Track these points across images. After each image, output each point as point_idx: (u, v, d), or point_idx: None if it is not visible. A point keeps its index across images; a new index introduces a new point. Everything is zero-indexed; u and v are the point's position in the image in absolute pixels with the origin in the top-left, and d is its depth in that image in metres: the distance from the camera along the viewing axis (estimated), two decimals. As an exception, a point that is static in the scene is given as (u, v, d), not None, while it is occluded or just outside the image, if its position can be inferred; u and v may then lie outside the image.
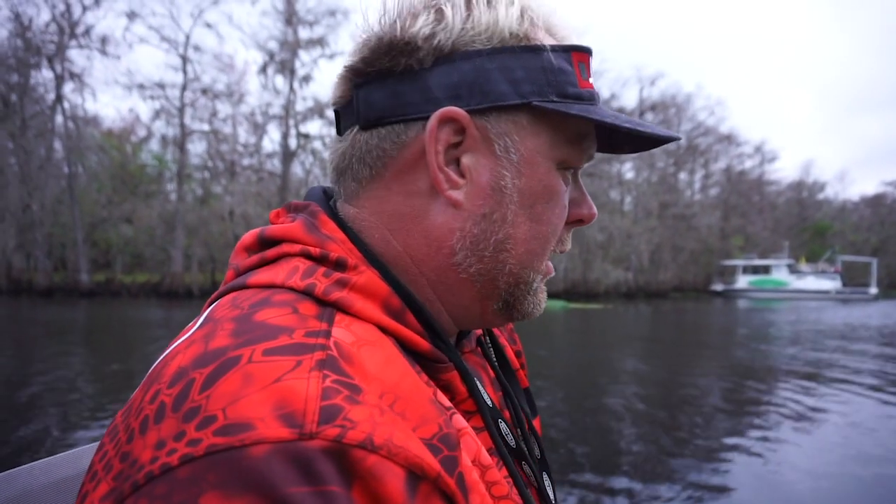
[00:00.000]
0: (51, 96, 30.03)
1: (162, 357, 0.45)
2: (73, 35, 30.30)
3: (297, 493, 0.34)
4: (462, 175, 0.53)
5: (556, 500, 0.63)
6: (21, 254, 28.37)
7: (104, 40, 31.30)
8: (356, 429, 0.37)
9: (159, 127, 34.67)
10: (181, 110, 33.04)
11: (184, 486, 0.35)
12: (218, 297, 0.53)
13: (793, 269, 47.73)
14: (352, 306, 0.48)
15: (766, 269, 48.07)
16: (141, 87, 33.03)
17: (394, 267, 0.55)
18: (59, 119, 30.04)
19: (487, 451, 0.53)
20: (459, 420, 0.50)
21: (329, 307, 0.48)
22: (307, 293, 0.48)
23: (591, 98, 0.54)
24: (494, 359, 0.68)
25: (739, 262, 49.10)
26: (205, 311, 0.51)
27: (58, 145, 30.41)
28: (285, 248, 0.53)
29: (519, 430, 0.63)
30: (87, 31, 30.80)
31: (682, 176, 52.37)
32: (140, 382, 0.44)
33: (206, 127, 34.41)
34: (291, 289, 0.49)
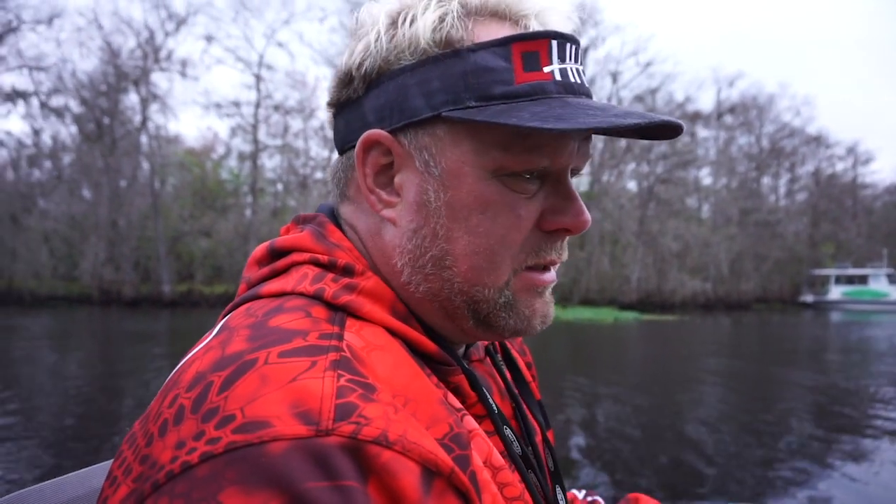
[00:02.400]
0: (137, 118, 32.00)
1: (179, 366, 0.46)
2: (156, 60, 32.24)
3: (315, 487, 0.35)
4: (399, 194, 0.54)
5: None
6: (110, 266, 30.18)
7: (184, 63, 33.15)
8: (371, 425, 0.38)
9: (237, 144, 36.17)
10: (255, 127, 34.42)
11: (204, 483, 0.35)
12: (232, 308, 0.54)
13: (893, 280, 43.79)
14: (360, 309, 0.50)
15: (862, 279, 44.26)
16: (217, 105, 34.76)
17: (383, 273, 0.56)
18: (144, 139, 31.92)
19: (500, 454, 0.53)
20: (470, 421, 0.50)
21: (339, 311, 0.49)
22: (317, 297, 0.50)
23: (532, 92, 0.49)
24: (504, 369, 0.67)
25: (832, 272, 45.41)
26: (219, 322, 0.52)
27: (143, 164, 32.20)
28: (295, 257, 0.54)
29: (528, 440, 0.62)
30: (169, 56, 32.77)
31: (766, 180, 49.31)
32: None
33: (278, 142, 35.68)
34: (302, 294, 0.50)
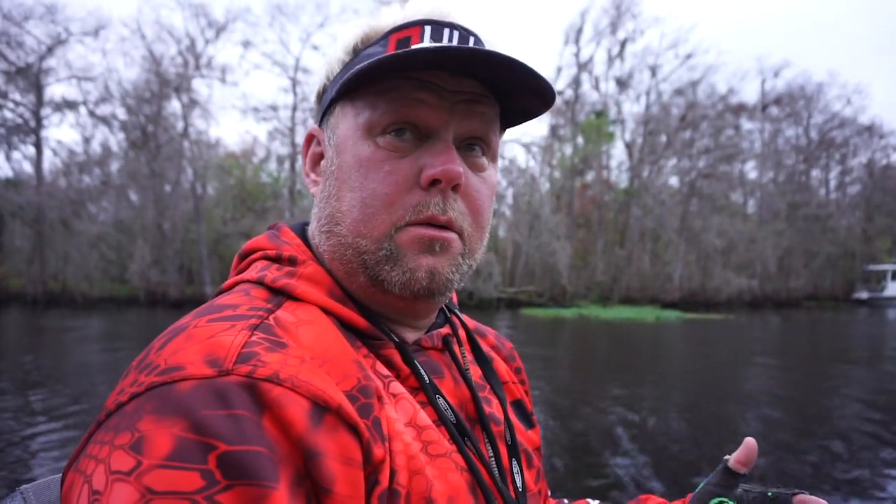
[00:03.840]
0: (180, 124, 32.82)
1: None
2: (197, 66, 33.02)
3: (211, 415, 0.41)
4: (319, 174, 0.65)
5: (523, 486, 0.66)
6: (157, 269, 31.06)
7: (224, 69, 33.87)
8: (266, 367, 0.45)
9: (276, 147, 36.76)
10: (292, 130, 34.88)
11: (129, 416, 0.43)
12: None
13: (955, 274, 41.49)
14: (296, 290, 0.58)
15: (921, 275, 42.14)
16: (255, 110, 35.36)
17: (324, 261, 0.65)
18: (186, 144, 32.67)
19: (434, 422, 0.59)
20: (397, 386, 0.57)
21: (279, 295, 0.58)
22: (259, 282, 0.59)
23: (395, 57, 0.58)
24: (464, 362, 0.71)
25: (888, 267, 43.26)
26: None
27: (186, 168, 33.00)
28: (253, 255, 0.65)
29: (482, 424, 0.65)
30: (209, 62, 33.47)
31: (815, 173, 47.35)
32: None
33: (316, 145, 35.92)
34: (248, 281, 0.60)
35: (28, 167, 32.21)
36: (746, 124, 42.86)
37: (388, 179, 0.57)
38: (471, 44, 0.60)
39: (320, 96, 0.66)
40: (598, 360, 11.93)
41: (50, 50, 30.99)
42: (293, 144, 34.97)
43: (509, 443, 0.68)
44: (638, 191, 36.94)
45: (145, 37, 32.60)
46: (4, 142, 31.53)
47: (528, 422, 0.77)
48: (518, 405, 0.78)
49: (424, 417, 0.57)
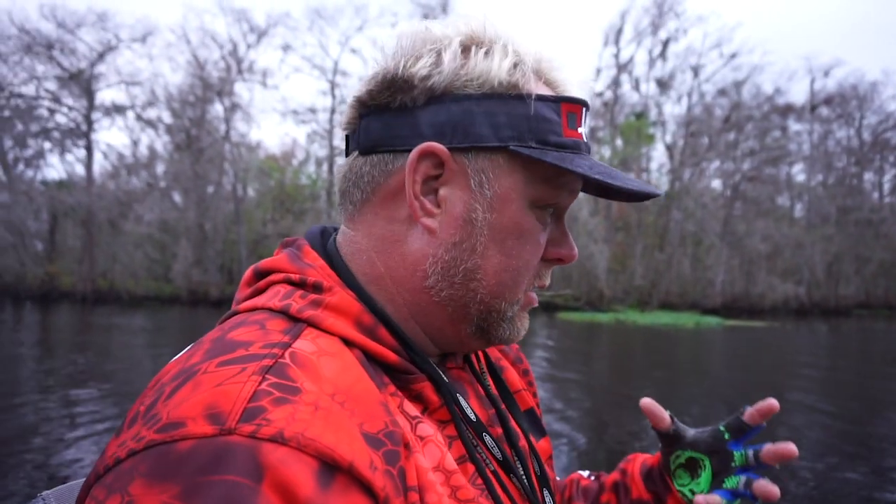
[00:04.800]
0: (222, 127, 33.58)
1: (159, 372, 0.52)
2: (239, 71, 33.73)
3: (206, 480, 0.39)
4: (438, 205, 0.58)
5: None
6: (199, 268, 31.83)
7: (264, 73, 34.54)
8: (270, 425, 0.42)
9: (315, 149, 37.29)
10: (330, 132, 35.28)
11: (123, 476, 0.41)
12: (220, 322, 0.59)
13: None
14: (322, 322, 0.55)
15: (983, 283, 39.92)
16: (294, 112, 35.88)
17: (374, 286, 0.60)
18: (227, 147, 33.40)
19: (459, 458, 0.58)
20: (426, 428, 0.55)
21: (301, 323, 0.54)
22: (283, 312, 0.55)
23: (574, 147, 0.59)
24: (484, 376, 0.71)
25: (946, 275, 41.23)
26: None
27: (228, 170, 33.75)
28: (272, 277, 0.60)
29: (510, 444, 0.67)
30: (251, 66, 34.19)
31: (867, 176, 45.36)
32: None
33: (353, 147, 36.32)
34: (269, 309, 0.55)
35: (80, 169, 33.50)
36: (794, 125, 41.39)
37: (537, 253, 0.61)
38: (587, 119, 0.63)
39: (431, 92, 0.57)
40: (635, 366, 11.66)
41: (101, 56, 32.16)
42: (331, 147, 35.38)
43: (538, 472, 0.68)
44: (679, 194, 36.08)
45: (190, 42, 33.61)
46: (58, 145, 32.85)
47: (540, 431, 0.78)
48: (530, 414, 0.78)
49: (451, 461, 0.55)
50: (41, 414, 6.47)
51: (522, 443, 0.69)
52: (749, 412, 0.78)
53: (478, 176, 0.57)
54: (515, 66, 0.57)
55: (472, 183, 0.57)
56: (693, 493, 0.79)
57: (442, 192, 0.58)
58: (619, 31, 37.55)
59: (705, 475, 0.79)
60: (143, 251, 31.96)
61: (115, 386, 7.95)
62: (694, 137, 37.50)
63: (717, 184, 39.04)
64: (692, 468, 0.80)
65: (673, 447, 0.81)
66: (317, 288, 0.57)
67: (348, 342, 0.55)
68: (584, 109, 0.60)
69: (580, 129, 0.60)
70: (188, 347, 0.53)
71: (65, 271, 31.92)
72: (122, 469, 0.41)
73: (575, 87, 0.62)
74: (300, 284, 0.58)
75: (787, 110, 40.06)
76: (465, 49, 0.58)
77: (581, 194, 0.65)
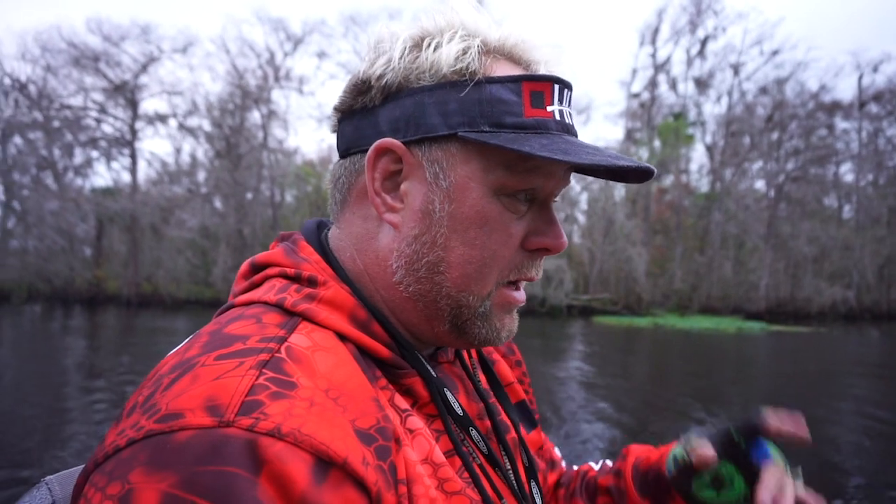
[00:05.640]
0: (260, 134, 34.21)
1: (157, 364, 0.53)
2: (276, 78, 34.33)
3: (203, 471, 0.39)
4: (402, 200, 0.59)
5: None
6: (237, 273, 32.42)
7: (301, 80, 35.09)
8: (268, 420, 0.43)
9: (349, 156, 37.61)
10: (365, 138, 35.54)
11: (123, 464, 0.41)
12: (217, 315, 0.60)
13: None
14: (317, 316, 0.55)
15: None
16: (329, 118, 36.12)
17: (358, 283, 0.61)
18: (265, 154, 34.00)
19: (447, 452, 0.58)
20: (415, 421, 0.56)
21: (296, 317, 0.55)
22: (278, 305, 0.56)
23: (537, 126, 0.56)
24: (473, 371, 0.72)
25: None
26: None
27: (266, 177, 34.35)
28: (268, 271, 0.61)
29: (498, 438, 0.67)
30: (287, 74, 34.76)
31: (921, 175, 43.43)
32: None
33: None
34: (265, 303, 0.56)
35: (126, 177, 34.59)
36: (841, 123, 39.85)
37: (509, 242, 0.58)
38: (571, 103, 0.61)
39: (386, 90, 0.58)
40: (674, 372, 11.36)
41: (144, 67, 33.17)
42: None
43: (527, 465, 0.69)
44: (720, 195, 35.19)
45: (229, 52, 34.17)
46: (105, 154, 34.03)
47: (531, 422, 0.78)
48: (521, 406, 0.78)
49: (439, 454, 0.56)
50: (86, 410, 6.65)
51: (512, 435, 0.70)
52: (769, 423, 0.69)
53: (432, 167, 0.57)
54: (465, 51, 0.56)
55: (428, 175, 0.57)
56: (720, 497, 0.71)
57: (403, 186, 0.59)
58: (656, 31, 36.91)
59: (737, 483, 0.70)
60: (185, 256, 32.81)
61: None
62: (735, 137, 36.53)
63: (760, 184, 37.96)
64: (716, 484, 0.72)
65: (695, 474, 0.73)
66: (311, 282, 0.58)
67: (342, 336, 0.56)
68: (554, 86, 0.58)
69: (550, 108, 0.57)
70: (186, 340, 0.54)
71: (111, 275, 32.99)
72: (122, 457, 0.42)
73: (551, 65, 0.60)
74: (295, 278, 0.59)
75: (834, 108, 38.62)
76: (417, 44, 0.58)
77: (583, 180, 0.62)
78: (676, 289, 33.28)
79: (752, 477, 0.70)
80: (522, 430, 0.73)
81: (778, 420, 0.67)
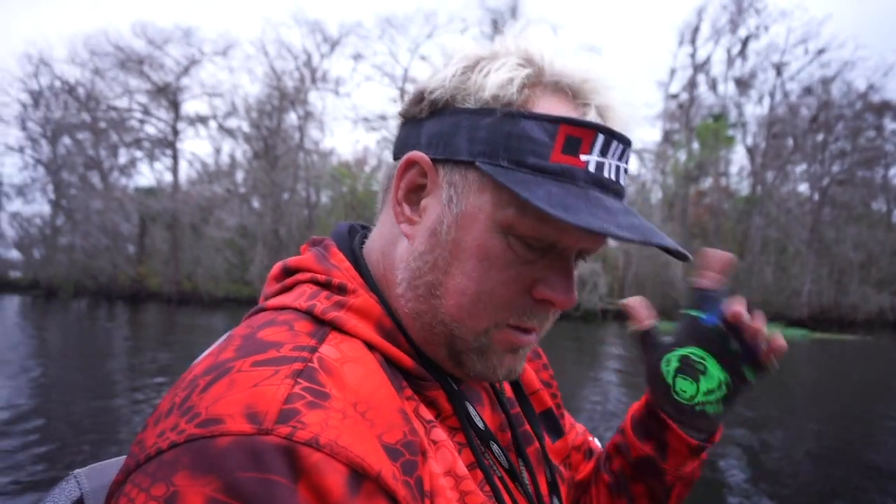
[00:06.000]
0: (297, 135, 34.77)
1: (191, 366, 0.53)
2: (313, 80, 34.88)
3: (246, 477, 0.41)
4: (420, 215, 0.59)
5: None
6: (273, 272, 33.01)
7: (337, 82, 35.55)
8: (305, 429, 0.44)
9: (386, 156, 37.95)
10: (399, 139, 35.79)
11: (166, 466, 0.43)
12: (248, 317, 0.61)
13: None
14: (345, 325, 0.56)
15: None
16: (365, 119, 36.64)
17: (381, 286, 0.62)
18: (301, 155, 34.55)
19: (469, 465, 0.59)
20: (439, 433, 0.57)
21: (325, 325, 0.55)
22: (308, 313, 0.56)
23: (561, 174, 0.54)
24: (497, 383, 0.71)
25: None
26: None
27: (302, 177, 34.90)
28: (299, 276, 0.61)
29: (518, 451, 0.67)
30: (324, 76, 35.28)
31: (977, 178, 41.49)
32: None
33: (422, 153, 36.70)
34: (296, 309, 0.56)
35: (168, 177, 35.59)
36: (891, 124, 38.37)
37: (510, 285, 0.56)
38: (623, 158, 0.57)
39: (434, 106, 0.58)
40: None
41: (186, 70, 34.14)
42: (400, 153, 35.88)
43: (549, 478, 0.68)
44: (761, 198, 34.29)
45: (268, 54, 34.84)
46: (148, 154, 35.08)
47: (557, 432, 0.77)
48: (547, 415, 0.77)
49: (462, 466, 0.56)
50: (124, 405, 6.86)
51: (535, 447, 0.69)
52: (704, 276, 0.70)
53: (449, 189, 0.57)
54: (510, 81, 0.55)
55: (444, 196, 0.57)
56: (705, 395, 0.69)
57: (424, 202, 0.59)
58: (696, 30, 36.16)
59: (710, 367, 0.68)
60: (223, 255, 33.55)
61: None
62: (777, 139, 35.52)
63: (803, 188, 36.81)
64: (691, 373, 0.70)
65: (658, 352, 0.73)
66: (341, 289, 0.58)
67: (370, 345, 0.56)
68: (598, 135, 0.54)
69: (585, 157, 0.54)
70: (219, 342, 0.55)
71: (153, 273, 33.96)
72: (165, 459, 0.43)
73: (611, 112, 0.58)
74: (326, 285, 0.59)
75: (883, 108, 37.15)
76: (472, 65, 0.57)
77: None
78: (714, 294, 32.48)
79: (726, 358, 0.68)
80: (547, 441, 0.73)
81: (709, 261, 0.71)
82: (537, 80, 0.56)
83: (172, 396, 0.48)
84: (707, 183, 36.58)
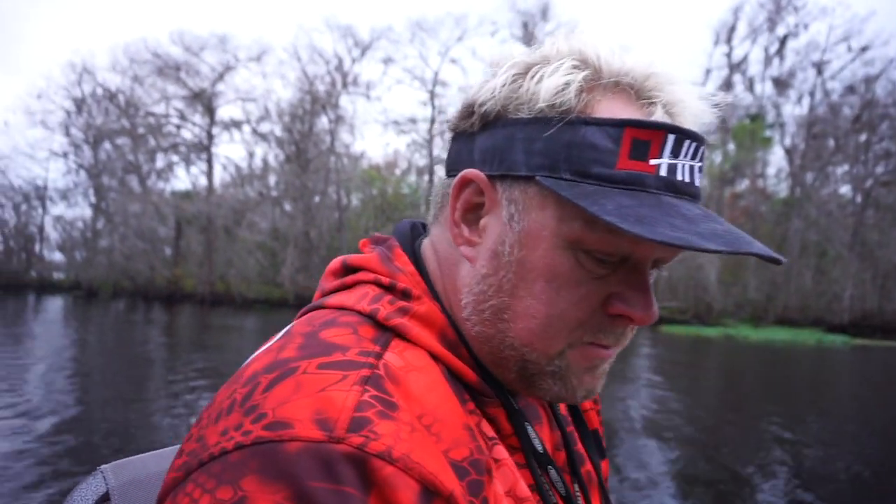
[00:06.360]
0: (328, 139, 35.19)
1: (246, 361, 0.52)
2: (344, 84, 35.24)
3: (318, 487, 0.39)
4: (480, 235, 0.56)
5: None
6: (304, 274, 33.47)
7: (368, 86, 35.84)
8: (379, 440, 0.42)
9: (416, 159, 38.13)
10: (430, 142, 35.93)
11: (233, 468, 0.41)
12: (304, 312, 0.59)
13: None
14: (409, 332, 0.53)
15: None
16: (395, 123, 36.86)
17: (441, 298, 0.59)
18: (332, 158, 34.93)
19: (529, 486, 0.57)
20: (501, 451, 0.54)
21: (388, 332, 0.53)
22: (371, 317, 0.54)
23: (631, 182, 0.49)
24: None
25: None
26: (292, 323, 0.58)
27: (333, 181, 35.27)
28: (361, 276, 0.59)
29: (573, 471, 0.65)
30: (355, 80, 35.61)
31: None
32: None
33: (452, 156, 36.74)
34: (358, 312, 0.54)
35: (202, 180, 36.36)
36: (939, 123, 36.97)
37: (582, 305, 0.52)
38: (697, 156, 0.52)
39: (485, 118, 0.55)
40: (746, 389, 10.79)
41: (221, 76, 34.88)
42: (431, 156, 36.03)
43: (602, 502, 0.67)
44: (800, 200, 33.33)
45: (300, 59, 35.37)
46: (184, 158, 35.92)
47: (601, 452, 0.74)
48: (595, 436, 0.74)
49: (524, 487, 0.54)
50: (160, 401, 6.99)
51: (587, 468, 0.67)
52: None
53: (510, 207, 0.53)
54: (566, 86, 0.51)
55: (504, 214, 0.54)
56: None
57: (483, 221, 0.56)
58: (732, 29, 35.40)
59: None
60: (255, 257, 34.10)
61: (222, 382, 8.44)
62: (817, 139, 34.48)
63: (845, 189, 35.66)
64: None
65: None
66: (405, 295, 0.56)
67: (433, 356, 0.54)
68: (667, 136, 0.50)
69: (655, 161, 0.50)
70: (277, 337, 0.53)
71: (188, 274, 34.71)
72: (230, 461, 0.41)
73: (679, 108, 0.53)
74: (389, 288, 0.57)
75: (931, 106, 35.80)
76: (523, 72, 0.54)
77: None
78: (750, 298, 31.74)
79: None
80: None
81: None
82: (595, 81, 0.52)
83: (231, 392, 0.47)
84: (743, 185, 35.76)
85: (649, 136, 0.50)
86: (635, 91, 0.53)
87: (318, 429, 0.41)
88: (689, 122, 0.53)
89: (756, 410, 8.20)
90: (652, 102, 0.52)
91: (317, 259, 33.53)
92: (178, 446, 0.81)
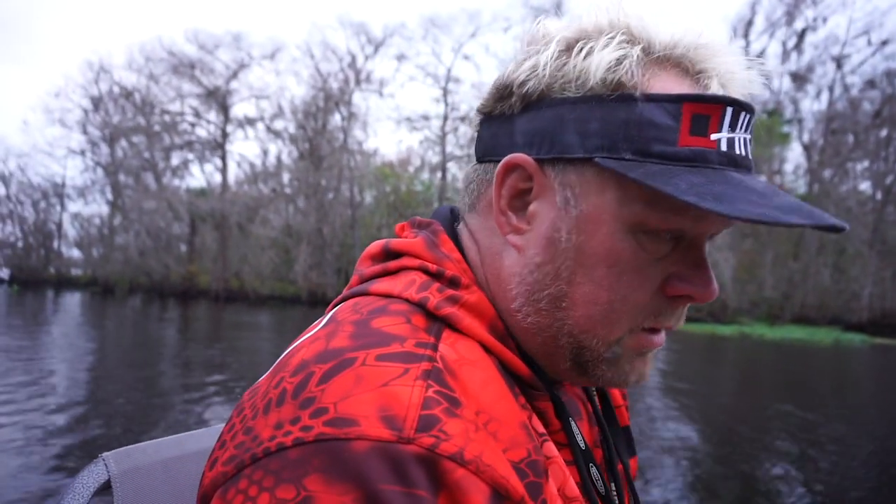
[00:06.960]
0: (341, 136, 35.26)
1: (289, 349, 0.49)
2: (357, 81, 35.31)
3: (389, 490, 0.37)
4: (529, 222, 0.53)
5: None
6: (317, 271, 33.62)
7: (381, 83, 35.87)
8: (450, 441, 0.40)
9: (429, 156, 38.09)
10: (442, 139, 35.91)
11: (293, 466, 0.39)
12: (343, 300, 0.57)
13: None
14: (460, 322, 0.51)
15: None
16: (408, 119, 36.86)
17: (484, 289, 0.56)
18: (345, 155, 35.00)
19: (576, 484, 0.55)
20: (551, 448, 0.52)
21: (438, 321, 0.51)
22: (420, 305, 0.51)
23: (693, 158, 0.47)
24: (592, 393, 0.69)
25: None
26: (329, 311, 0.56)
27: (346, 177, 35.36)
28: (406, 261, 0.56)
29: (610, 469, 0.64)
30: (368, 77, 35.65)
31: None
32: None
33: (465, 152, 36.77)
34: (407, 300, 0.52)
35: (217, 177, 36.63)
36: (962, 118, 36.21)
37: (644, 287, 0.51)
38: (750, 128, 0.52)
39: (527, 99, 0.52)
40: (762, 388, 10.64)
41: (235, 74, 35.11)
42: (444, 153, 36.02)
43: (633, 502, 0.67)
44: (818, 197, 32.83)
45: (314, 56, 35.45)
46: (199, 156, 36.20)
47: (632, 450, 0.72)
48: (626, 433, 0.72)
49: (573, 486, 0.52)
50: (172, 394, 7.04)
51: (619, 466, 0.66)
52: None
53: (564, 191, 0.51)
54: (620, 61, 0.49)
55: (558, 199, 0.51)
56: None
57: (531, 207, 0.53)
58: (749, 23, 34.91)
59: None
60: (269, 254, 34.30)
61: (244, 377, 8.47)
62: (836, 135, 33.95)
63: (865, 186, 35.08)
64: None
65: None
66: (454, 283, 0.54)
67: (486, 348, 0.52)
68: (726, 109, 0.48)
69: (715, 136, 0.48)
70: (323, 324, 0.51)
71: (202, 271, 35.01)
72: (290, 458, 0.39)
73: (732, 79, 0.51)
74: (436, 276, 0.54)
75: (954, 101, 35.08)
76: (568, 48, 0.51)
77: None
78: (766, 296, 31.36)
79: None
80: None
81: None
82: (647, 55, 0.50)
83: (278, 380, 0.44)
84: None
85: (708, 110, 0.48)
86: (688, 64, 0.50)
87: (386, 427, 0.39)
88: (739, 93, 0.52)
89: (772, 411, 8.08)
90: (707, 75, 0.51)
91: (329, 256, 33.66)
92: (178, 435, 0.78)
